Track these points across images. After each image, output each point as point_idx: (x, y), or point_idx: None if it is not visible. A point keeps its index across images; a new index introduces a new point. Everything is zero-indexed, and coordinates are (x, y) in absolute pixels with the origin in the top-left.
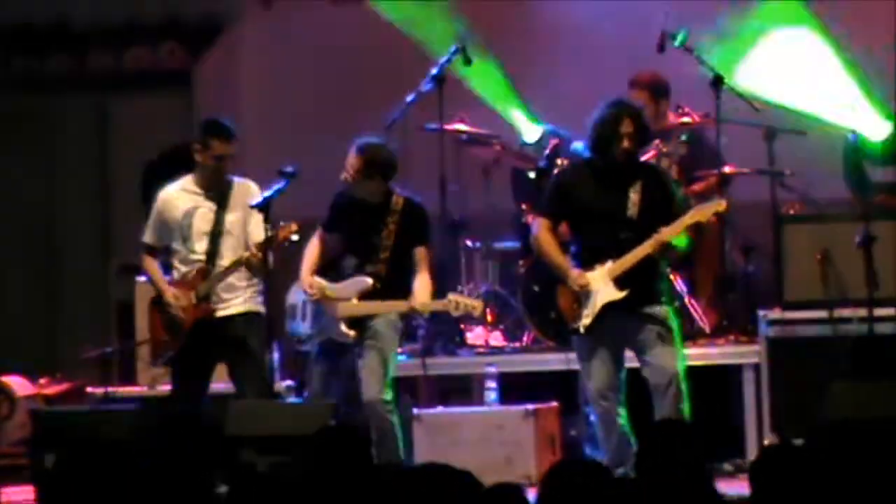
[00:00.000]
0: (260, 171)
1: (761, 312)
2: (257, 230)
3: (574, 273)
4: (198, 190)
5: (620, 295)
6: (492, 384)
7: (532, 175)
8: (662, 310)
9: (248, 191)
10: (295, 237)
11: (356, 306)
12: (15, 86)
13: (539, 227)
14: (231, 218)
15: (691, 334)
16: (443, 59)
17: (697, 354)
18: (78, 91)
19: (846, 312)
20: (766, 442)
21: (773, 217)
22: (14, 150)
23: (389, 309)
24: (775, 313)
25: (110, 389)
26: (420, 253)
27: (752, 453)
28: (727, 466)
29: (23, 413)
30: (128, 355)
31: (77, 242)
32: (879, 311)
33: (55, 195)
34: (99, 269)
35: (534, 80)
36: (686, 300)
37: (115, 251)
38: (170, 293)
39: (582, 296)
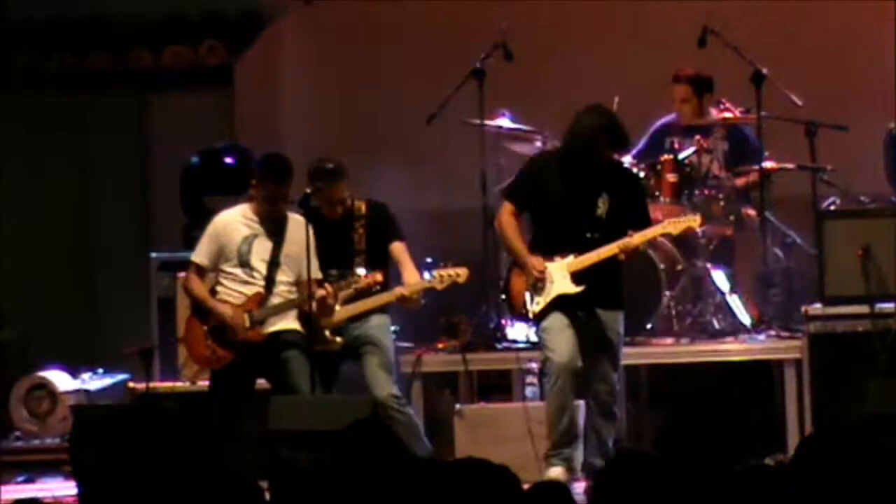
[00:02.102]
0: (301, 168)
1: (802, 308)
2: (314, 267)
3: (533, 259)
4: (255, 218)
5: (576, 290)
6: (532, 379)
7: None
8: (615, 315)
9: (301, 227)
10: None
11: (339, 312)
12: (54, 83)
13: (503, 210)
14: (288, 251)
15: (732, 330)
16: (483, 54)
17: (738, 350)
18: (117, 89)
19: (887, 307)
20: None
21: (814, 212)
22: (53, 147)
23: (377, 304)
24: (816, 309)
25: (152, 385)
26: (397, 249)
27: (794, 449)
28: (769, 462)
29: (64, 408)
30: (170, 350)
31: (117, 239)
32: None
33: (95, 192)
34: (140, 264)
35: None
36: (727, 295)
37: (155, 247)
38: (224, 308)
39: (537, 283)
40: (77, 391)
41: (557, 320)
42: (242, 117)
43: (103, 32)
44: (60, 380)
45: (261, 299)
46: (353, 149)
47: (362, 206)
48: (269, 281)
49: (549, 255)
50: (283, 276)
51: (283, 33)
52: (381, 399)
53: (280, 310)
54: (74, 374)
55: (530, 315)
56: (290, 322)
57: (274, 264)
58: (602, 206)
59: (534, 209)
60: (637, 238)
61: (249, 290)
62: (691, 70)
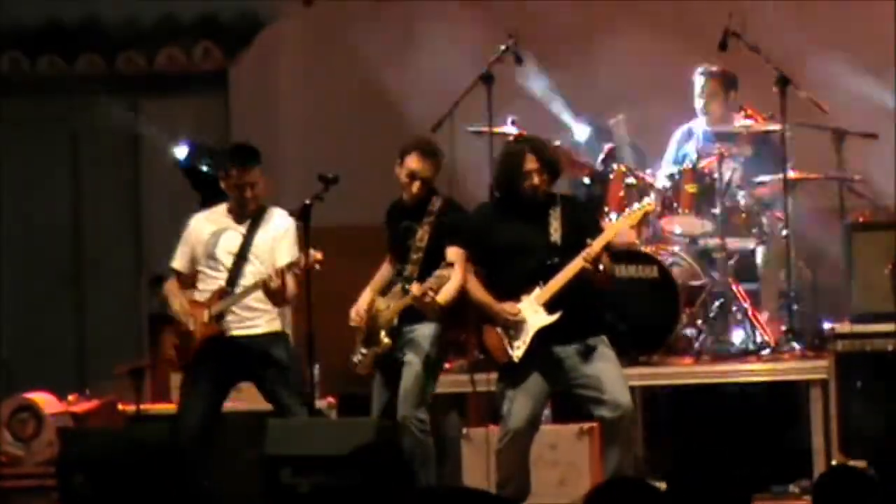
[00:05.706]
0: (298, 176)
1: (829, 326)
2: (282, 254)
3: (502, 305)
4: (227, 215)
5: (552, 318)
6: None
7: (587, 181)
8: (602, 339)
9: (281, 218)
10: (318, 266)
11: (390, 312)
12: (42, 88)
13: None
14: (259, 243)
15: (755, 349)
16: (492, 58)
17: (761, 370)
18: (108, 93)
19: None
20: (833, 462)
21: (841, 225)
22: (41, 155)
23: (399, 307)
24: (844, 327)
25: (143, 406)
26: (451, 253)
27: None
28: (794, 488)
29: (50, 431)
30: (161, 370)
31: (108, 252)
32: None
33: (85, 203)
34: (130, 279)
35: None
36: (749, 313)
37: (147, 261)
38: (185, 307)
39: (511, 328)
40: (64, 414)
41: (527, 383)
42: (238, 123)
43: (94, 35)
44: (46, 402)
45: (222, 294)
46: (352, 157)
47: (436, 203)
48: (234, 274)
49: (515, 297)
50: (252, 270)
51: (280, 36)
52: (402, 416)
53: (243, 296)
54: (61, 395)
55: (515, 359)
56: (272, 325)
57: (241, 257)
58: (555, 233)
59: (488, 258)
60: (596, 244)
61: (215, 286)
62: (718, 66)
